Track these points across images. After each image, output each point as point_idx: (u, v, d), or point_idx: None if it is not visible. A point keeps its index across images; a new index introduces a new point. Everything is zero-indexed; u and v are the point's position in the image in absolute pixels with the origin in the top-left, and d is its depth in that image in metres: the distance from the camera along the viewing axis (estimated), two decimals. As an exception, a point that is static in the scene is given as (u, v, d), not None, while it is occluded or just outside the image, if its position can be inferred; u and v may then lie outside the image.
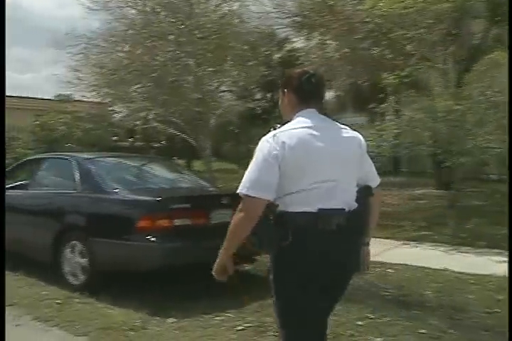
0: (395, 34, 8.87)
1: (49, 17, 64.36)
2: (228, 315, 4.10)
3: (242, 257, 5.42)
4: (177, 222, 4.49)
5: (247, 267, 5.70)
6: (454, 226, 7.41)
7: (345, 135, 2.18)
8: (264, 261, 5.85)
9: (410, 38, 8.91)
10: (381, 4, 8.48)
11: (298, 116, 2.15)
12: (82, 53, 11.54)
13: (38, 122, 18.33)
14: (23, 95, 30.38)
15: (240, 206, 2.03)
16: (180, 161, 16.89)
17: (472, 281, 5.01)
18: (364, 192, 2.18)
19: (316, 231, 2.02)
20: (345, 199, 2.09)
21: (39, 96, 29.32)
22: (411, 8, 8.25)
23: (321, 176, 2.06)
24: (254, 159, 2.05)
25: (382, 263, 5.63)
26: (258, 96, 22.81)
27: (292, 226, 2.02)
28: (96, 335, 3.70)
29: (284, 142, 2.02)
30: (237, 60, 11.02)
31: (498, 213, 7.46)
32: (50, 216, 5.34)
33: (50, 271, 5.15)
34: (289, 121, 2.16)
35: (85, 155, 5.87)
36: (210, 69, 10.57)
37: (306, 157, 2.04)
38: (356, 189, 2.16)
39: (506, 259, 5.49)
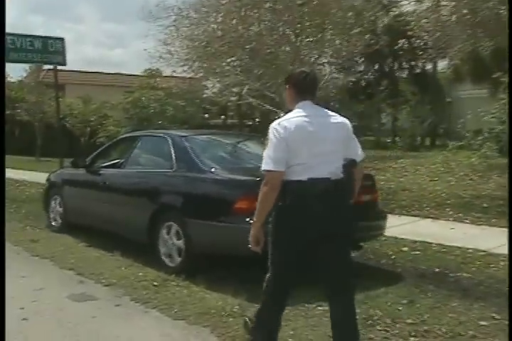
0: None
1: (138, -11, 66.65)
2: (332, 305, 4.11)
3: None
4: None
5: (352, 254, 5.66)
6: None
7: (333, 121, 3.05)
8: (371, 248, 5.82)
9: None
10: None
11: (296, 108, 3.03)
12: (173, 26, 11.84)
13: (129, 99, 19.04)
14: (112, 71, 31.94)
15: (265, 180, 2.91)
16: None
17: None
18: (348, 165, 2.99)
19: (305, 194, 2.91)
20: (332, 171, 2.95)
21: (128, 72, 30.73)
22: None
23: (312, 153, 2.92)
24: (269, 142, 2.95)
25: (505, 256, 5.36)
26: (362, 67, 22.25)
27: (288, 191, 2.92)
28: (194, 320, 3.86)
29: (286, 127, 2.92)
30: (339, 27, 10.80)
31: None
32: (146, 196, 5.61)
33: (146, 251, 5.43)
34: (291, 110, 3.06)
35: (181, 133, 6.07)
36: (309, 38, 10.46)
37: (302, 139, 2.92)
38: (342, 163, 2.98)
39: None
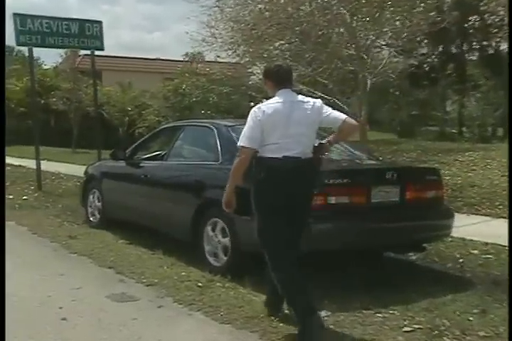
0: None
1: (179, -33, 67.17)
2: (392, 312, 4.07)
3: (409, 245, 5.30)
4: (332, 200, 4.52)
5: (413, 256, 5.60)
6: None
7: (306, 106, 3.79)
8: (435, 249, 5.73)
9: None
10: None
11: (276, 95, 3.84)
12: (217, 7, 11.87)
13: (170, 87, 19.17)
14: (151, 57, 32.32)
15: (237, 154, 3.77)
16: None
17: None
18: (316, 149, 3.82)
19: (280, 169, 3.68)
20: (303, 150, 3.73)
21: (168, 58, 31.03)
22: None
23: (286, 134, 3.69)
24: (247, 123, 3.73)
25: None
26: (425, 50, 21.75)
27: (265, 166, 3.71)
28: (241, 324, 3.88)
29: (264, 111, 3.71)
30: (400, 5, 10.60)
31: None
32: (189, 190, 5.66)
33: (189, 250, 5.50)
34: (272, 97, 3.86)
35: (227, 122, 6.10)
36: (366, 18, 10.31)
37: (277, 121, 3.71)
38: (313, 143, 3.82)
39: None
